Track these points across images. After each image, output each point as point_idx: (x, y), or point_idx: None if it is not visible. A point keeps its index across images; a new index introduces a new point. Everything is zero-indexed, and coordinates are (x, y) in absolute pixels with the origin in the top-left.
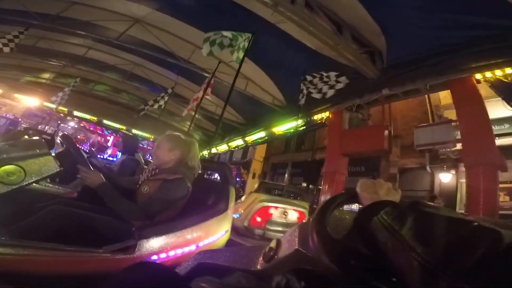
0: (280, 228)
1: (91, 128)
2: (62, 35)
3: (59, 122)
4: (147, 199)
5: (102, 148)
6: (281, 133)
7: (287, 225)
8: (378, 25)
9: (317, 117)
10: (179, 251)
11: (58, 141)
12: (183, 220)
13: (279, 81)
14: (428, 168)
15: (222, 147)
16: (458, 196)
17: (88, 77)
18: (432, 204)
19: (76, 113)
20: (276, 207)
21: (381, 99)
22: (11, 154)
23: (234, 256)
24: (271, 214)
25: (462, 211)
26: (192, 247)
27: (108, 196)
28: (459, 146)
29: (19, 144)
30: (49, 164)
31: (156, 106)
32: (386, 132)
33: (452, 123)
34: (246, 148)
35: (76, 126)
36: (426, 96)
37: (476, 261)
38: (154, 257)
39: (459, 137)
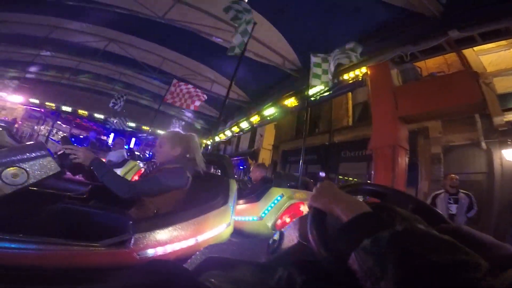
0: None
1: (89, 125)
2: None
3: (57, 121)
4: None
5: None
6: (295, 104)
7: None
8: None
9: (347, 76)
10: (177, 246)
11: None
12: (180, 214)
13: (291, 35)
14: (483, 144)
15: (226, 133)
16: None
17: (68, 65)
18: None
19: (64, 108)
20: (304, 203)
21: (446, 45)
22: (14, 157)
23: (241, 249)
24: (302, 212)
25: None
26: (191, 241)
27: (100, 170)
28: None
29: (22, 148)
30: (50, 165)
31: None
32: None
33: None
34: (253, 136)
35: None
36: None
37: None
38: (151, 251)
39: None
